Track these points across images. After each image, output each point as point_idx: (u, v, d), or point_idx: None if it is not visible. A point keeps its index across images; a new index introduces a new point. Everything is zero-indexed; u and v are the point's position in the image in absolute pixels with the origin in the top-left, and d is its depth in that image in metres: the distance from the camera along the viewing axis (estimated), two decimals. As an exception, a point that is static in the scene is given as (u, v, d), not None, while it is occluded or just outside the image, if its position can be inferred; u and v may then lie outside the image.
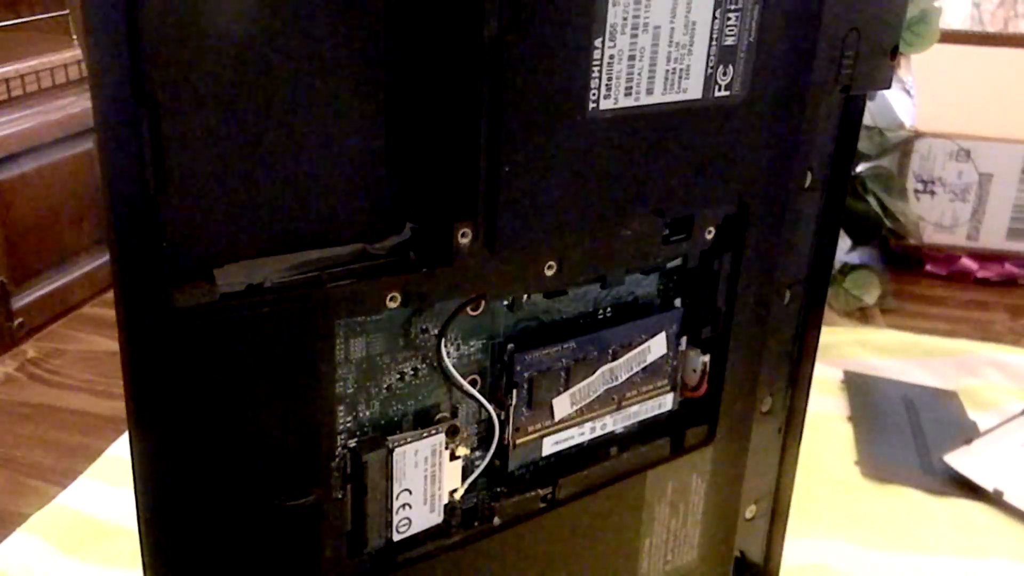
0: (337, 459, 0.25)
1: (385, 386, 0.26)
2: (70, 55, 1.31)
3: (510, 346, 0.28)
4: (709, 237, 0.30)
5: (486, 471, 0.29)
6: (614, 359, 0.30)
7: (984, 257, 0.73)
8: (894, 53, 0.31)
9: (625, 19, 0.24)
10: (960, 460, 0.49)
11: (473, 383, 0.28)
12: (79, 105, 1.28)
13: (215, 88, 0.20)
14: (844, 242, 0.70)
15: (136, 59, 0.19)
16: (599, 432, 0.31)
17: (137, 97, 0.19)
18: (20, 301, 1.22)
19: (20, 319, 1.21)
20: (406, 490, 0.26)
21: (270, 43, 0.20)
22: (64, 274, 1.28)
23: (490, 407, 0.28)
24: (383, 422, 0.26)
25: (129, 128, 0.19)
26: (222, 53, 0.20)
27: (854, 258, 0.72)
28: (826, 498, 0.46)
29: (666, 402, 0.32)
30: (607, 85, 0.25)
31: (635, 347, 0.30)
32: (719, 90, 0.27)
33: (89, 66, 0.19)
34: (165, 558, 0.23)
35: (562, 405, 0.29)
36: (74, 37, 1.36)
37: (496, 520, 0.29)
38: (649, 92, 0.26)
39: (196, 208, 0.21)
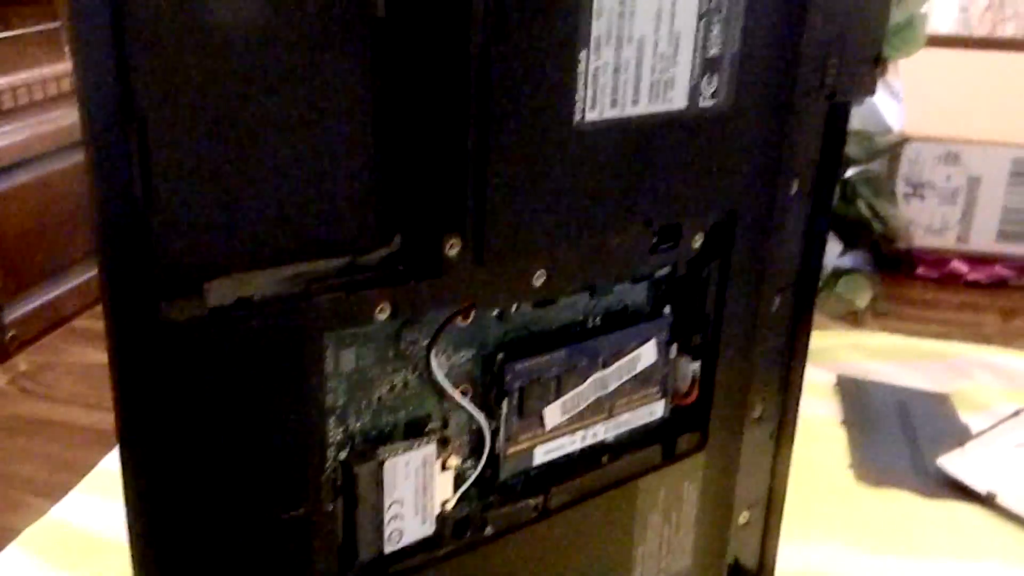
0: (328, 471, 0.25)
1: (375, 397, 0.26)
2: (62, 68, 1.31)
3: (500, 356, 0.28)
4: (697, 245, 0.30)
5: (478, 481, 0.29)
6: (604, 367, 0.30)
7: (974, 260, 0.74)
8: (878, 60, 0.31)
9: (610, 31, 0.24)
10: (953, 463, 0.49)
11: (464, 393, 0.28)
12: (71, 118, 1.28)
13: (203, 103, 0.20)
14: (835, 246, 0.71)
15: (124, 75, 0.19)
16: (590, 441, 0.31)
17: (125, 113, 0.19)
18: (12, 314, 1.21)
19: (12, 332, 1.20)
20: (397, 501, 0.26)
21: (258, 59, 0.21)
22: (56, 286, 1.28)
23: (481, 417, 0.28)
24: (374, 433, 0.26)
25: (118, 144, 0.19)
26: (210, 69, 0.20)
27: (845, 262, 0.72)
28: (820, 503, 0.46)
29: (657, 409, 0.32)
30: (593, 97, 0.25)
31: (625, 355, 0.31)
32: (704, 100, 0.27)
33: (77, 82, 0.19)
34: (156, 572, 0.23)
35: (553, 414, 0.29)
36: (67, 50, 1.36)
37: (488, 530, 0.29)
38: (635, 103, 0.26)
39: (185, 222, 0.21)
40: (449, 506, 0.28)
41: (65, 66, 1.31)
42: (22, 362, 0.59)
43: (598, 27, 0.24)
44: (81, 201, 1.30)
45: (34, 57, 1.32)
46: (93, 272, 1.34)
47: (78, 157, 1.29)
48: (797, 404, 0.36)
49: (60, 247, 1.28)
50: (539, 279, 0.27)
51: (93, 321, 0.65)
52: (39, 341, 0.63)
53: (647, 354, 0.31)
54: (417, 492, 0.27)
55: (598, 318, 0.30)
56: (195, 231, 0.21)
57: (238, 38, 0.20)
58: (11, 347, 1.18)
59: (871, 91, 0.32)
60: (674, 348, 0.32)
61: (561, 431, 0.30)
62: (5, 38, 1.38)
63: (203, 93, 0.20)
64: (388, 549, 0.26)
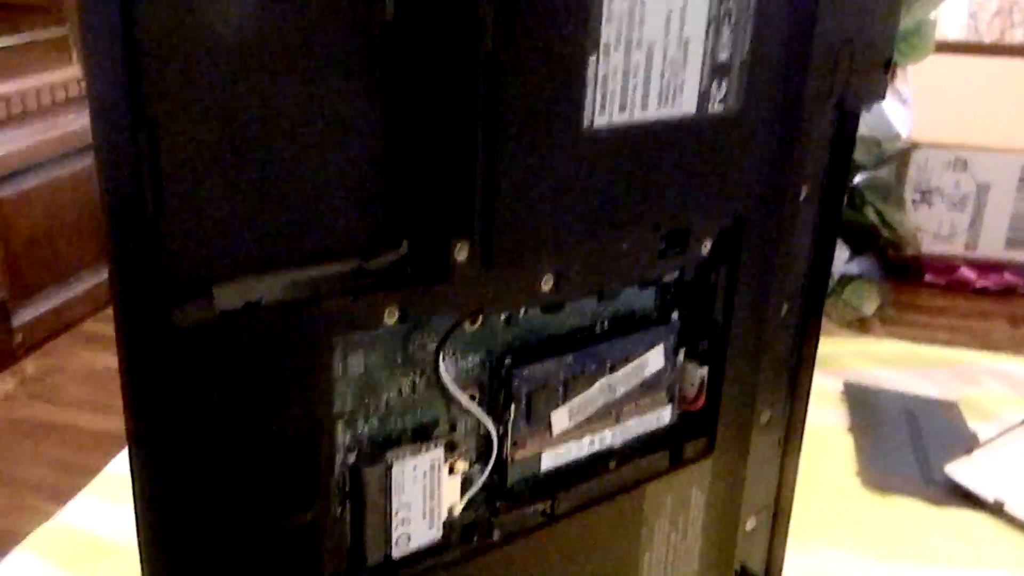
0: (336, 475, 0.25)
1: (383, 401, 0.26)
2: (71, 73, 1.32)
3: (508, 360, 0.28)
4: (705, 250, 0.30)
5: (485, 486, 0.29)
6: (612, 373, 0.30)
7: (983, 267, 0.73)
8: (888, 66, 0.31)
9: (619, 36, 0.24)
10: (961, 470, 0.49)
11: (471, 398, 0.28)
12: (79, 123, 1.29)
13: (213, 108, 0.20)
14: (843, 253, 0.70)
15: (135, 80, 0.19)
16: (598, 446, 0.31)
17: (136, 118, 0.19)
18: (20, 318, 1.22)
19: (20, 336, 1.21)
20: (405, 506, 0.26)
21: (267, 63, 0.21)
22: (64, 291, 1.29)
23: (488, 421, 0.28)
24: (381, 438, 0.26)
25: (128, 148, 0.19)
26: (220, 73, 0.20)
27: (853, 268, 0.72)
28: (827, 509, 0.46)
29: (664, 415, 0.32)
30: (602, 101, 0.25)
31: (633, 360, 0.30)
32: (713, 105, 0.27)
33: (88, 87, 0.19)
34: (165, 575, 0.23)
35: (560, 419, 0.29)
36: (74, 56, 1.36)
37: (495, 535, 0.29)
38: (644, 108, 0.26)
39: (195, 227, 0.21)
40: (456, 511, 0.28)
41: (73, 71, 1.32)
42: (30, 366, 0.59)
43: (607, 32, 0.24)
44: (89, 206, 1.31)
45: (42, 62, 1.33)
46: (101, 277, 1.35)
47: (86, 162, 1.30)
48: (805, 410, 0.36)
49: (68, 252, 1.28)
50: (547, 283, 0.27)
51: (101, 325, 0.65)
52: (47, 345, 0.64)
53: (655, 359, 0.31)
54: (425, 496, 0.27)
55: (606, 323, 0.30)
56: (204, 235, 0.21)
57: (246, 43, 0.20)
58: (19, 351, 1.18)
59: (881, 96, 0.32)
60: (682, 354, 0.32)
61: (568, 436, 0.30)
62: (14, 44, 1.39)
63: (212, 97, 0.20)
64: (396, 553, 0.26)
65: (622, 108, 0.25)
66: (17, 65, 1.31)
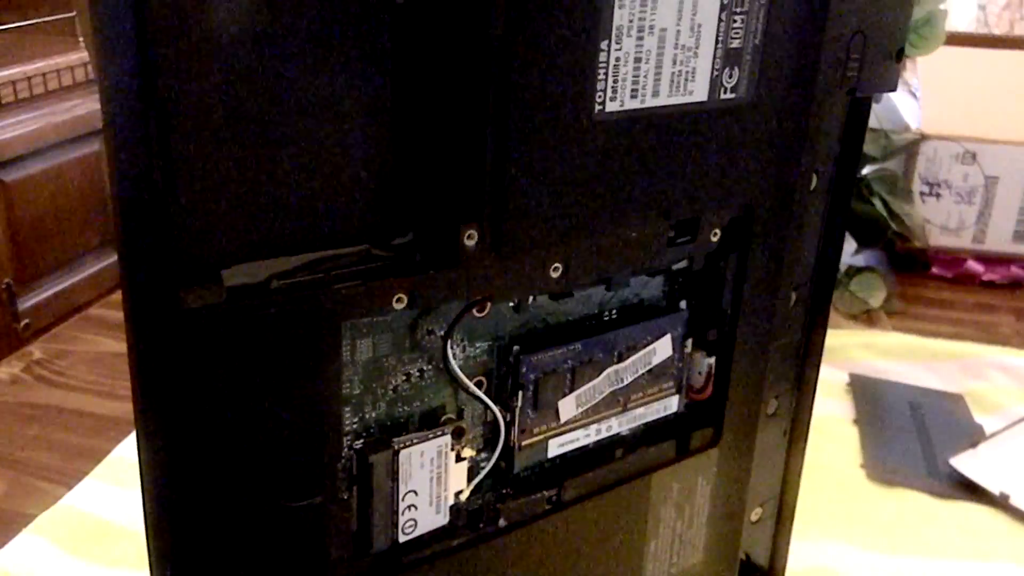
0: (343, 460, 0.25)
1: (391, 387, 0.26)
2: (77, 57, 1.32)
3: (516, 348, 0.28)
4: (715, 239, 0.30)
5: (492, 472, 0.29)
6: (619, 361, 0.30)
7: (990, 260, 0.73)
8: (900, 55, 0.31)
9: (631, 21, 0.24)
10: (966, 463, 0.48)
11: (479, 385, 0.28)
12: (86, 107, 1.29)
13: (223, 89, 0.20)
14: (850, 244, 0.70)
15: (145, 61, 0.19)
16: (605, 434, 0.31)
17: (146, 99, 0.19)
18: (26, 302, 1.22)
19: (26, 320, 1.21)
20: (412, 491, 0.26)
21: (277, 45, 0.21)
22: (70, 275, 1.29)
23: (496, 409, 0.28)
24: (389, 423, 0.26)
25: (138, 129, 0.19)
26: (230, 55, 0.20)
27: (860, 261, 0.72)
28: (832, 501, 0.46)
29: (672, 404, 0.32)
30: (613, 87, 0.25)
31: (640, 349, 0.30)
32: (725, 92, 0.27)
33: (97, 68, 0.19)
34: (172, 559, 0.23)
35: (568, 407, 0.29)
36: (81, 39, 1.36)
37: (502, 522, 0.29)
38: (655, 94, 0.26)
39: (204, 209, 0.21)
40: (463, 497, 0.28)
41: (80, 55, 1.32)
42: (36, 350, 0.60)
43: (620, 17, 0.24)
44: (96, 190, 1.31)
45: (49, 46, 1.33)
46: (107, 261, 1.35)
47: (93, 146, 1.30)
48: (811, 401, 0.36)
49: (74, 236, 1.29)
50: (556, 271, 0.27)
51: (107, 310, 0.66)
52: (53, 329, 0.64)
53: (662, 348, 0.31)
54: (432, 482, 0.27)
55: (614, 311, 0.30)
56: (213, 218, 0.21)
57: (258, 25, 0.20)
58: (25, 335, 1.19)
59: (892, 87, 0.32)
60: (689, 343, 0.32)
61: (575, 424, 0.30)
62: (20, 27, 1.39)
63: (222, 79, 0.20)
64: (402, 538, 0.26)
65: (633, 94, 0.25)
66: (23, 49, 1.31)
